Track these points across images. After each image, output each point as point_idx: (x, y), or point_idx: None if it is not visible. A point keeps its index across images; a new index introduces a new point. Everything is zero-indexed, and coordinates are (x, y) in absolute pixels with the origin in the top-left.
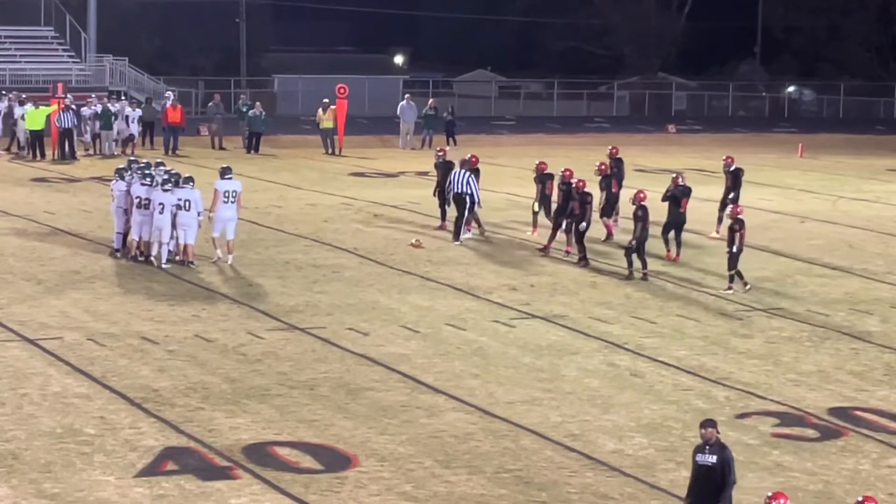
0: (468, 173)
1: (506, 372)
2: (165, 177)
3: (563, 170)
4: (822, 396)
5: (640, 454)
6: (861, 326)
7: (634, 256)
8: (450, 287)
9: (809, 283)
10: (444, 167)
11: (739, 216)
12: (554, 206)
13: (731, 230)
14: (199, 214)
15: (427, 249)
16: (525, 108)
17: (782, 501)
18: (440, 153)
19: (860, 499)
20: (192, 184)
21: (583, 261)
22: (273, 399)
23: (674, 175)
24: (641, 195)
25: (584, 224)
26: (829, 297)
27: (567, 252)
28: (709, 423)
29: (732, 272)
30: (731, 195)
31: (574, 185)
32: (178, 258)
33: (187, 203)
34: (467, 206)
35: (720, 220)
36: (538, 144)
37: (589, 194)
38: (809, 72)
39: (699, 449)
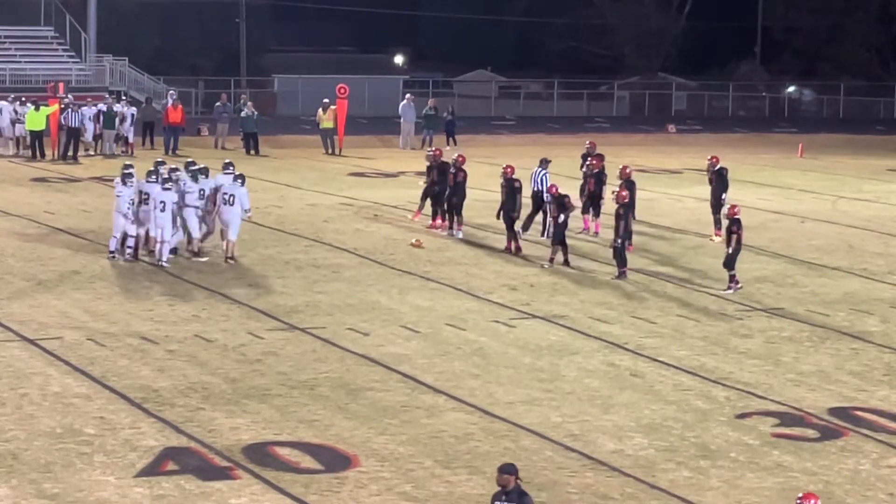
0: (544, 172)
1: (506, 372)
2: (165, 175)
3: (504, 166)
4: (822, 396)
5: (640, 454)
6: (861, 326)
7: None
8: (450, 287)
9: (809, 283)
10: (439, 168)
11: (736, 216)
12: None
13: (728, 231)
14: (247, 211)
15: (427, 249)
16: (525, 108)
17: (813, 502)
18: (437, 154)
19: (800, 496)
20: (241, 181)
21: (549, 263)
22: (273, 399)
23: (625, 167)
24: (623, 194)
25: (561, 217)
26: (829, 297)
27: (509, 249)
28: (506, 469)
29: (733, 272)
30: (724, 196)
31: (549, 191)
32: (190, 250)
33: (231, 198)
34: (541, 204)
35: (716, 222)
36: (538, 144)
37: (566, 196)
38: (809, 72)
39: (496, 497)
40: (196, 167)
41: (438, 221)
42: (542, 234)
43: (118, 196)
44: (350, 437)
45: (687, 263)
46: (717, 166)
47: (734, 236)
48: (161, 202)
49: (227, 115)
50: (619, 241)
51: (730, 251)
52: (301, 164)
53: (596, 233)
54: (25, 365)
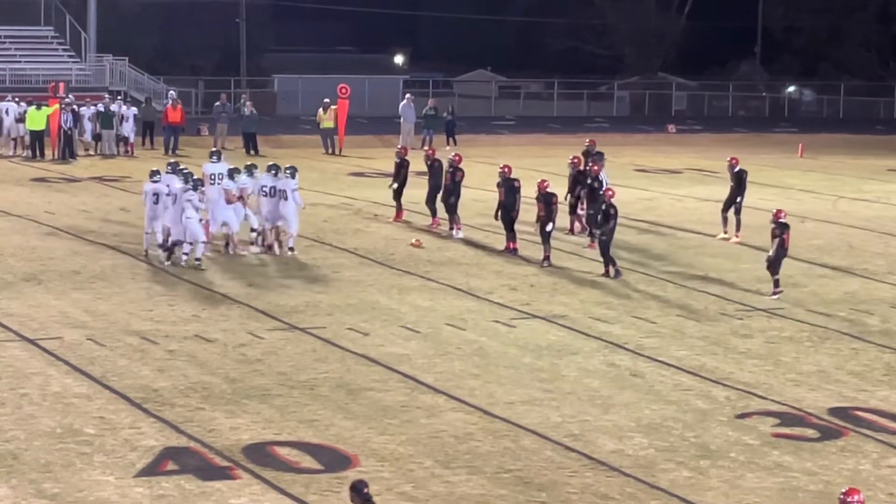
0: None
1: (506, 372)
2: (167, 170)
3: (501, 166)
4: (822, 396)
5: (640, 454)
6: (861, 326)
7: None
8: (450, 287)
9: (809, 283)
10: (431, 167)
11: (781, 220)
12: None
13: (773, 234)
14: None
15: (427, 249)
16: (525, 108)
17: (856, 497)
18: (430, 153)
19: (844, 490)
20: (282, 173)
21: (546, 261)
22: (273, 399)
23: (593, 165)
24: (610, 193)
25: (550, 225)
26: (829, 297)
27: (509, 249)
28: (353, 486)
29: (776, 276)
30: (739, 199)
31: (538, 186)
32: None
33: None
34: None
35: (725, 221)
36: (538, 144)
37: (553, 195)
38: (809, 72)
39: None
40: (290, 167)
41: (437, 221)
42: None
43: (189, 201)
44: (350, 437)
45: (687, 263)
46: (737, 168)
47: (777, 240)
48: (154, 195)
49: (227, 115)
50: (604, 238)
51: (771, 254)
52: (301, 164)
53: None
54: (25, 365)
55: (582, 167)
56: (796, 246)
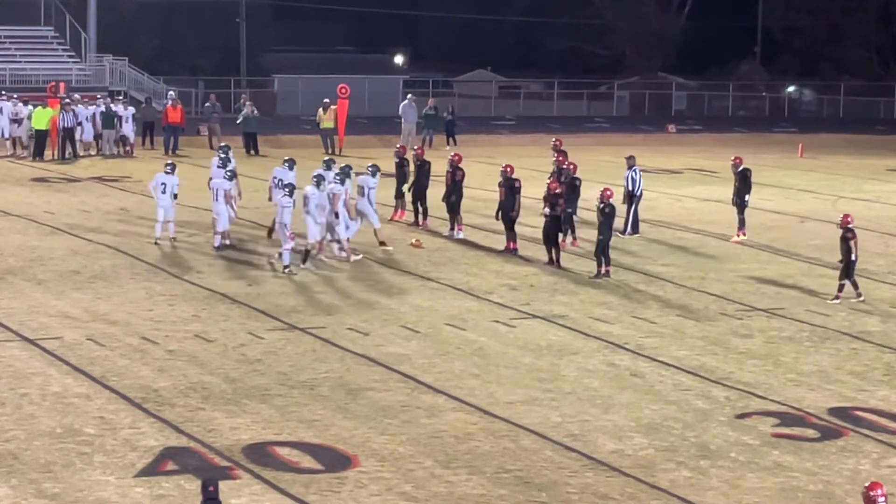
0: (635, 169)
1: (506, 372)
2: (217, 164)
3: (503, 166)
4: (822, 396)
5: (640, 454)
6: (861, 326)
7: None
8: (450, 287)
9: (809, 283)
10: (419, 165)
11: (850, 225)
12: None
13: (844, 239)
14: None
15: (427, 249)
16: (525, 108)
17: (879, 490)
18: (419, 153)
19: (867, 485)
20: (344, 171)
21: (557, 263)
22: (273, 399)
23: (570, 164)
24: (608, 193)
25: (547, 211)
26: (830, 297)
27: (509, 249)
28: (202, 482)
29: (842, 282)
30: (747, 197)
31: (548, 188)
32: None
33: (363, 190)
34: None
35: (742, 223)
36: (538, 144)
37: (560, 196)
38: (809, 72)
39: None
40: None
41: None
42: (623, 233)
43: (285, 208)
44: (350, 437)
45: (687, 263)
46: (741, 167)
47: (846, 245)
48: (162, 184)
49: (218, 116)
50: (601, 237)
51: (842, 261)
52: (301, 165)
53: None
54: (25, 365)
55: (565, 165)
56: (796, 245)
